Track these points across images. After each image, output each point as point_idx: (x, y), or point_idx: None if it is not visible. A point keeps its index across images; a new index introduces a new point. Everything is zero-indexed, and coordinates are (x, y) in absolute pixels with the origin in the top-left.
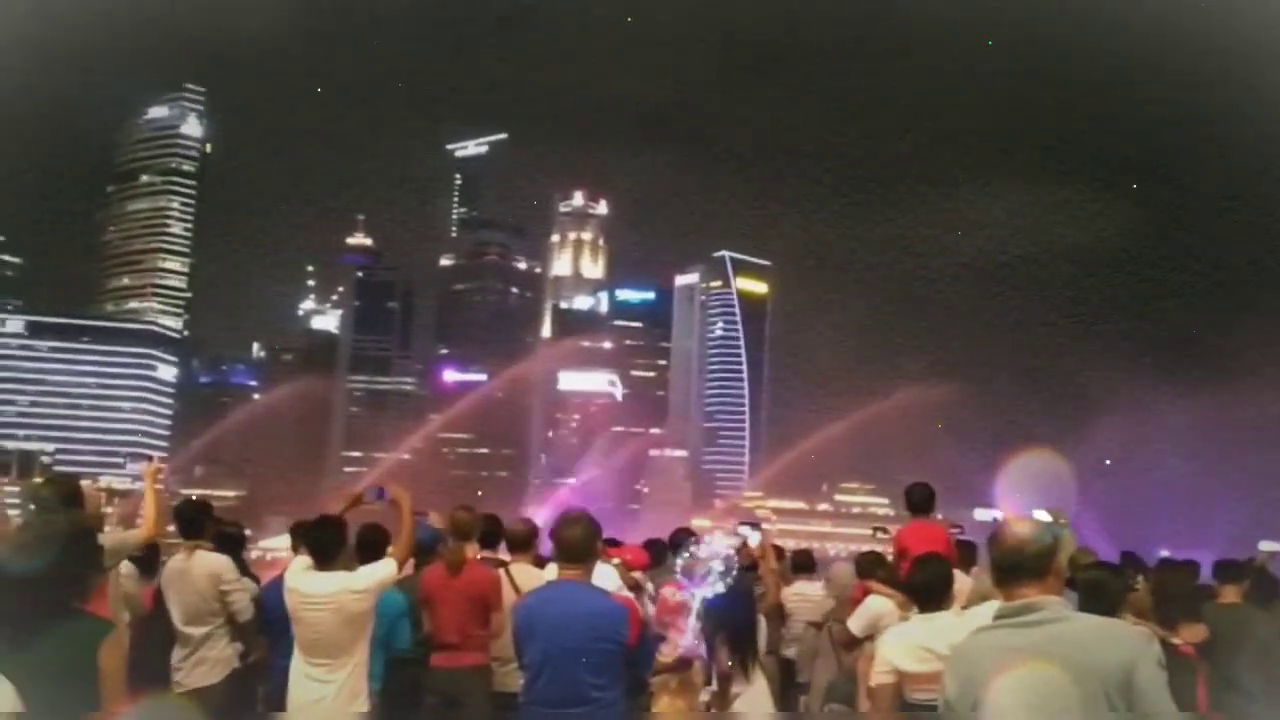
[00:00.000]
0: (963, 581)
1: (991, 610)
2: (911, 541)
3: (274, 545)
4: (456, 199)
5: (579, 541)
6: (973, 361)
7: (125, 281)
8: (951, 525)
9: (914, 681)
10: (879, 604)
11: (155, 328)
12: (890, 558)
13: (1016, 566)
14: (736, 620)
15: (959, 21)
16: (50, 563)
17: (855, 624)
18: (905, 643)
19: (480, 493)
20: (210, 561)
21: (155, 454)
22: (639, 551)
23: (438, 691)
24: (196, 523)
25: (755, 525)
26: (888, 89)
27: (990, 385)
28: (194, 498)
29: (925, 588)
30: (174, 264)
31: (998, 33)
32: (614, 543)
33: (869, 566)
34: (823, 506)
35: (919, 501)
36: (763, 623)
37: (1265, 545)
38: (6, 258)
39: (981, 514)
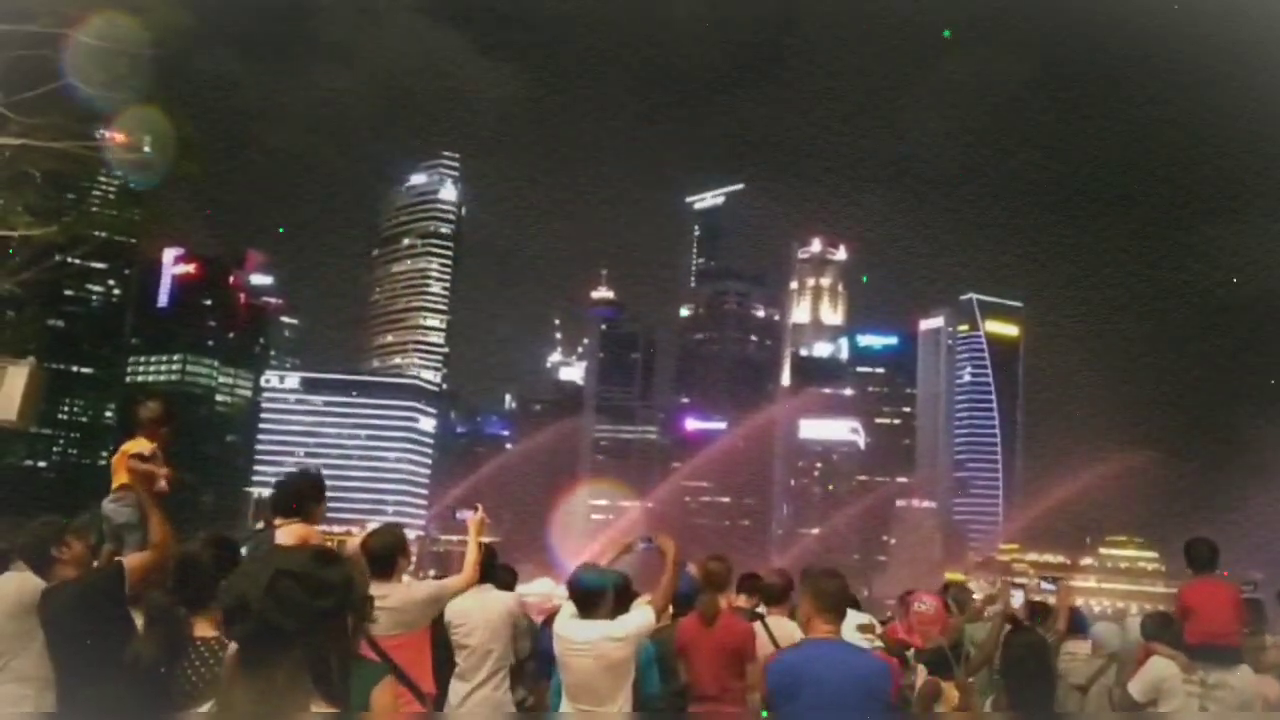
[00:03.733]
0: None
1: None
2: (1195, 600)
3: (528, 591)
4: (695, 250)
5: (841, 595)
6: (1246, 406)
7: (389, 339)
8: (1243, 583)
9: None
10: (1162, 667)
11: (418, 382)
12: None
13: None
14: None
15: (1220, 52)
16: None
17: (1136, 687)
18: None
19: (724, 542)
20: (506, 600)
21: (480, 505)
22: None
23: None
24: (489, 566)
25: (1054, 581)
26: (1148, 123)
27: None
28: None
29: None
30: (433, 321)
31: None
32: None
33: (1157, 627)
34: (1086, 561)
35: (1202, 558)
36: None
37: None
38: (285, 319)
39: None
